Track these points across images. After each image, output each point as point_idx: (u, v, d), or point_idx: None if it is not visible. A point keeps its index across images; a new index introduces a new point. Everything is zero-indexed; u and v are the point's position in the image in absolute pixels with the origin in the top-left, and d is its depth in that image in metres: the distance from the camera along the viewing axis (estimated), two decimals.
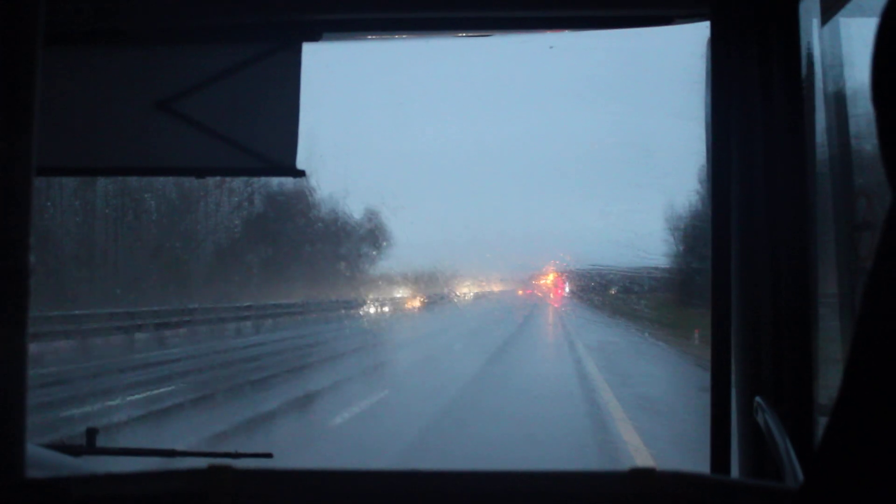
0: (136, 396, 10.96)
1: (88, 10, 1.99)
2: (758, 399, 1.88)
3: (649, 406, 11.95)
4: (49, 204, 10.87)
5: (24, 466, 0.98)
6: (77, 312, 12.62)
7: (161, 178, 10.76)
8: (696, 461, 1.99)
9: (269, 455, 2.58)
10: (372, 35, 2.26)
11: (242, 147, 2.13)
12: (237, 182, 15.46)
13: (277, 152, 2.13)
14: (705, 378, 1.87)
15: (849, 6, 1.62)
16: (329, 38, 2.15)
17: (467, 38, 2.29)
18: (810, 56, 1.89)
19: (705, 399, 1.87)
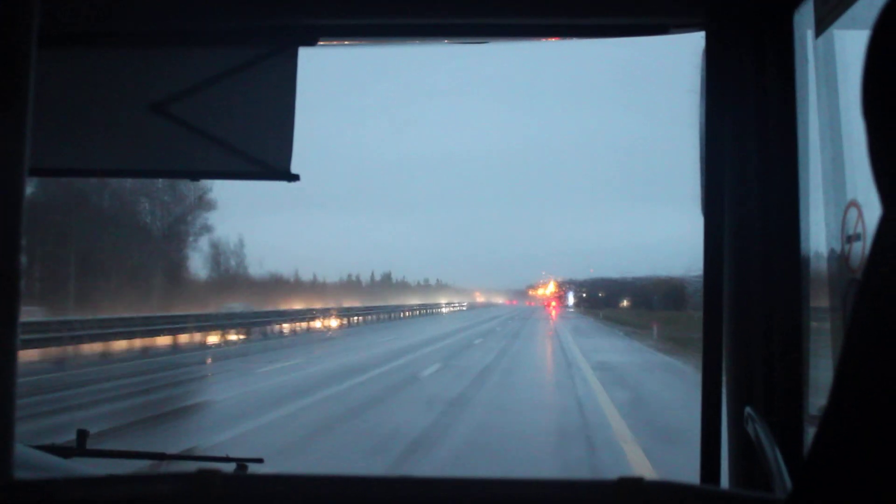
0: None
1: (83, 12, 1.99)
2: (748, 409, 1.88)
3: None
4: None
5: (11, 467, 0.98)
6: None
7: None
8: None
9: (260, 460, 2.57)
10: (368, 40, 2.26)
11: (237, 150, 2.13)
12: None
13: (272, 156, 2.13)
14: None
15: (843, 18, 1.63)
16: (325, 43, 2.15)
17: (464, 44, 2.29)
18: (804, 67, 1.90)
19: None
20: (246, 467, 2.52)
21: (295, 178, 2.13)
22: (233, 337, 31.57)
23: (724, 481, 1.89)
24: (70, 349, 21.95)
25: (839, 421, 0.65)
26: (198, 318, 29.61)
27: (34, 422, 11.73)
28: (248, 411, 14.29)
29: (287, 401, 15.54)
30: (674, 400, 16.23)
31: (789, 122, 1.91)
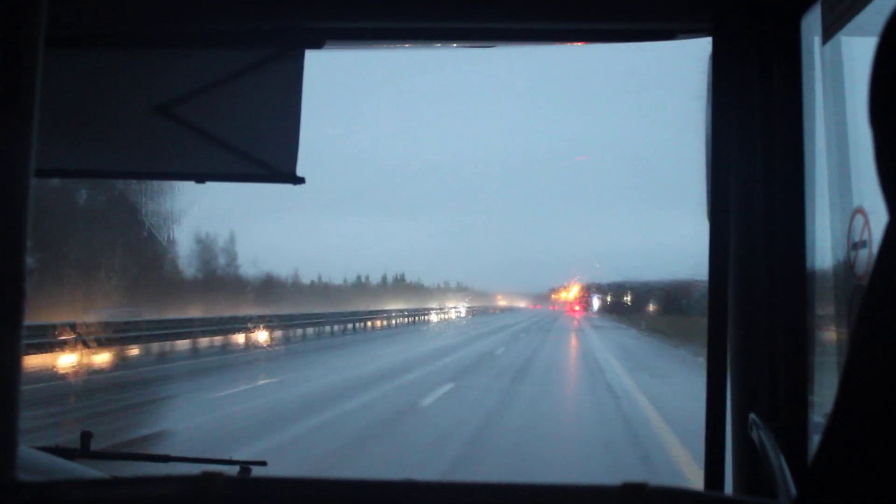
0: None
1: (89, 13, 2.00)
2: (752, 416, 1.88)
3: None
4: None
5: (15, 469, 0.98)
6: None
7: None
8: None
9: (263, 463, 2.57)
10: (375, 44, 2.26)
11: (242, 153, 2.13)
12: None
13: (277, 159, 2.13)
14: None
15: (850, 25, 1.63)
16: (332, 46, 2.15)
17: (471, 48, 2.29)
18: (811, 74, 1.89)
19: None
20: (249, 470, 2.52)
21: (300, 180, 2.13)
22: None
23: (728, 488, 1.89)
24: None
25: (844, 428, 0.64)
26: None
27: None
28: None
29: None
30: None
31: (796, 129, 1.90)
